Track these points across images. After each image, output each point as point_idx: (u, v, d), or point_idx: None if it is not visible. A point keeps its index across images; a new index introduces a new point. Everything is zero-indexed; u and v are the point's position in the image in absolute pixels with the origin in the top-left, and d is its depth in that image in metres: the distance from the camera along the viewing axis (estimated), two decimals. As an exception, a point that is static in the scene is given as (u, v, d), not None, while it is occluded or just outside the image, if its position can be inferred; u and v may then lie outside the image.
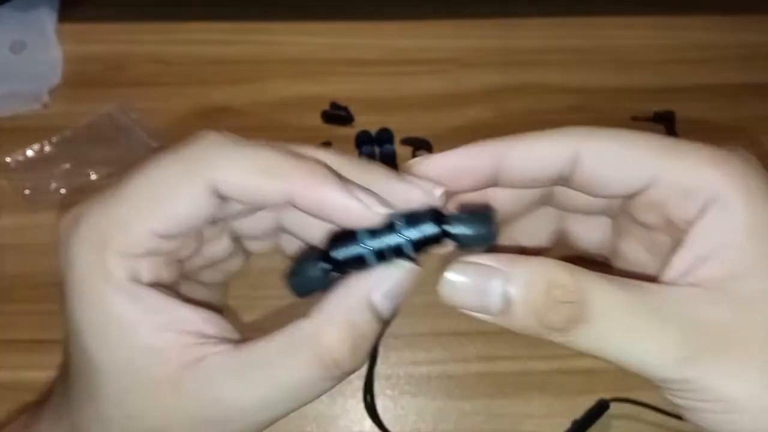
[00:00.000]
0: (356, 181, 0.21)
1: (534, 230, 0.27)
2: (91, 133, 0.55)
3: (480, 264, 0.20)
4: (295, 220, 0.24)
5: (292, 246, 0.26)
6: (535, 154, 0.22)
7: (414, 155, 0.55)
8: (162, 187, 0.21)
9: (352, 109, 0.57)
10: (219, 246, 0.25)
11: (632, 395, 0.43)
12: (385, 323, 0.23)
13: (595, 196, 0.23)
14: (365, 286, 0.21)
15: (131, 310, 0.20)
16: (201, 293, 0.26)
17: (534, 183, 0.23)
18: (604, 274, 0.20)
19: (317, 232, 0.23)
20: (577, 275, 0.19)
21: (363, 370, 0.44)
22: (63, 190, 0.52)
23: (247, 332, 0.22)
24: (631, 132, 0.21)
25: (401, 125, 0.56)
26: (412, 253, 0.22)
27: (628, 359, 0.20)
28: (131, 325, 0.20)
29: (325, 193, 0.21)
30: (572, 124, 0.24)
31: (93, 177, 0.53)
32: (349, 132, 0.56)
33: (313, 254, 0.22)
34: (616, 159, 0.21)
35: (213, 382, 0.20)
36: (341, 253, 0.21)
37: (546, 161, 0.22)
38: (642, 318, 0.19)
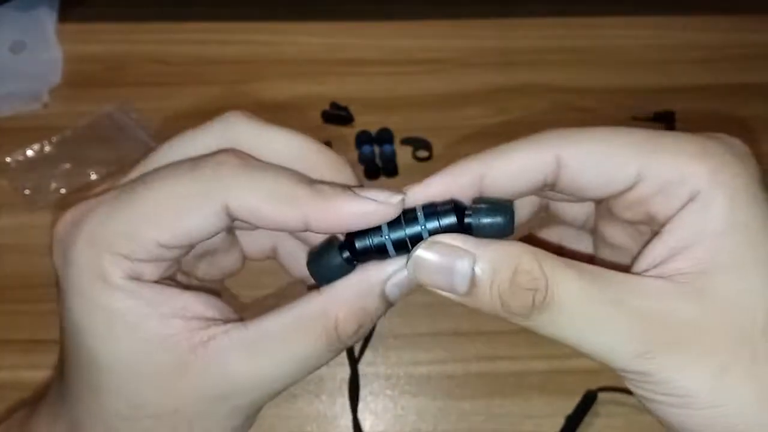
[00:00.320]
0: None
1: (518, 207, 0.26)
2: (91, 133, 0.55)
3: (449, 244, 0.20)
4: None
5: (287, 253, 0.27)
6: (515, 166, 0.22)
7: (414, 155, 0.55)
8: (176, 203, 0.21)
9: (352, 109, 0.57)
10: (220, 248, 0.26)
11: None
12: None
13: (581, 199, 0.23)
14: (382, 275, 0.22)
15: (134, 305, 0.21)
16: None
17: (518, 194, 0.22)
18: (572, 262, 0.20)
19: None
20: (543, 262, 0.19)
21: (365, 370, 0.44)
22: (63, 190, 0.52)
23: (247, 314, 0.23)
24: (612, 130, 0.21)
25: (401, 125, 0.56)
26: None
27: (588, 348, 0.20)
28: (135, 319, 0.21)
29: (340, 211, 0.21)
30: (572, 125, 0.24)
31: (93, 177, 0.53)
32: (349, 132, 0.56)
33: (335, 243, 0.23)
34: (597, 161, 0.21)
35: (223, 359, 0.21)
36: (363, 243, 0.22)
37: (526, 173, 0.22)
38: (603, 309, 0.19)
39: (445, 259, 0.20)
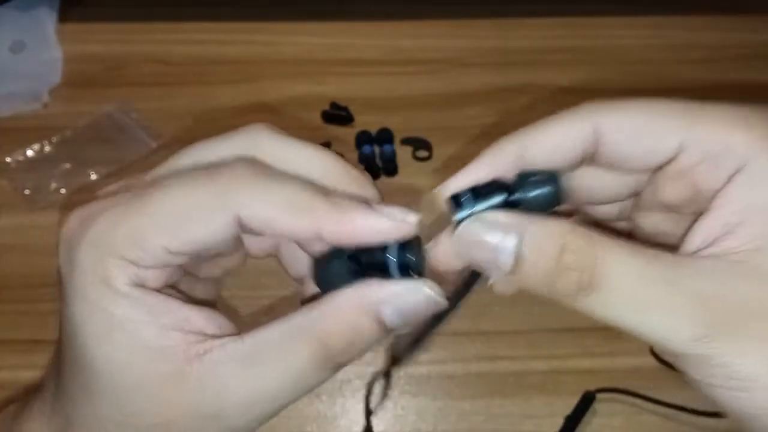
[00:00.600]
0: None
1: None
2: (91, 133, 0.55)
3: (495, 221, 0.20)
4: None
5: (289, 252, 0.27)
6: (553, 141, 0.21)
7: (414, 155, 0.55)
8: (187, 212, 0.21)
9: (352, 109, 0.57)
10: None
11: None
12: (436, 319, 0.23)
13: (621, 172, 0.22)
14: (376, 296, 0.20)
15: (135, 313, 0.21)
16: (197, 286, 0.26)
17: (558, 170, 0.22)
18: (621, 241, 0.19)
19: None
20: (591, 241, 0.19)
21: (365, 370, 0.44)
22: (63, 190, 0.52)
23: (246, 328, 0.22)
24: (652, 101, 0.20)
25: (401, 125, 0.56)
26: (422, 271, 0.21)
27: (640, 330, 0.19)
28: (135, 327, 0.20)
29: (354, 224, 0.20)
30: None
31: (93, 177, 0.53)
32: (349, 132, 0.56)
33: (341, 252, 0.22)
34: (639, 131, 0.20)
35: (218, 372, 0.21)
36: (366, 257, 0.21)
37: (565, 147, 0.21)
38: (657, 290, 0.18)
39: (489, 236, 0.20)
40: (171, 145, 0.54)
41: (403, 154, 0.55)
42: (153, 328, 0.21)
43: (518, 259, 0.19)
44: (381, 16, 0.64)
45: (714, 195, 0.20)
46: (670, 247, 0.20)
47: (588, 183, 0.24)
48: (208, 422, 0.21)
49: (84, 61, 0.60)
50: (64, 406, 0.23)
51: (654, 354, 0.44)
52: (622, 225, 0.26)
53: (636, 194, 0.24)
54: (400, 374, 0.44)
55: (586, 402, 0.43)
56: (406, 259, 0.21)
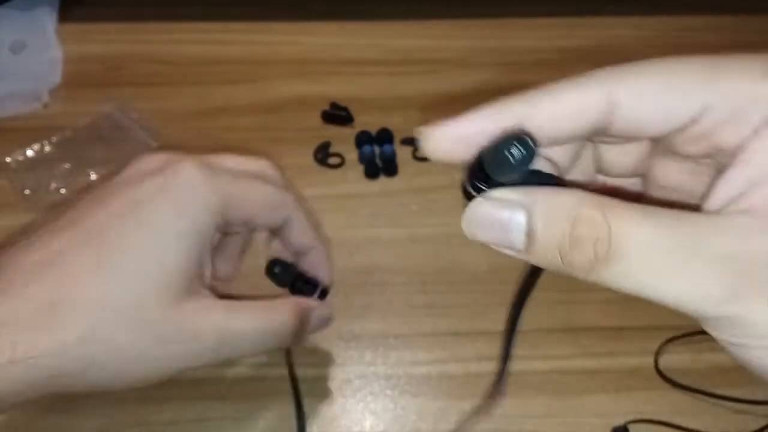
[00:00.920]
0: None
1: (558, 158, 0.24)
2: (91, 133, 0.55)
3: (501, 198, 0.19)
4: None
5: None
6: (563, 108, 0.19)
7: (414, 155, 0.55)
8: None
9: (352, 109, 0.57)
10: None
11: (633, 394, 0.43)
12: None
13: (639, 139, 0.21)
14: (308, 306, 0.36)
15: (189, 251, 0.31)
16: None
17: (566, 140, 0.20)
18: (638, 205, 0.18)
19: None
20: (606, 208, 0.17)
21: (365, 370, 0.44)
22: (63, 190, 0.52)
23: None
24: (668, 61, 0.19)
25: (401, 125, 0.56)
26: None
27: (666, 298, 0.18)
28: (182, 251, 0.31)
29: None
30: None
31: (93, 177, 0.53)
32: (349, 132, 0.56)
33: (290, 266, 0.39)
34: (657, 96, 0.19)
35: (207, 307, 0.31)
36: (301, 283, 0.39)
37: (576, 115, 0.19)
38: (681, 255, 0.17)
39: (499, 214, 0.19)
40: (171, 145, 0.54)
41: (403, 154, 0.55)
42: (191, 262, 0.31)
43: (530, 234, 0.18)
44: (381, 16, 0.64)
45: (737, 149, 0.18)
46: (690, 206, 0.19)
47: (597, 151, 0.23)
48: (189, 342, 0.30)
49: (84, 61, 0.60)
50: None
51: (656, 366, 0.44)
52: (633, 182, 0.25)
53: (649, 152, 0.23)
54: (400, 374, 0.44)
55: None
56: (325, 288, 0.39)
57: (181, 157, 0.32)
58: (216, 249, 0.36)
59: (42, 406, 0.41)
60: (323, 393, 0.43)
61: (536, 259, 0.19)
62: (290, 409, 0.42)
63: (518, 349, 0.46)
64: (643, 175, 0.24)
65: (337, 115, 0.57)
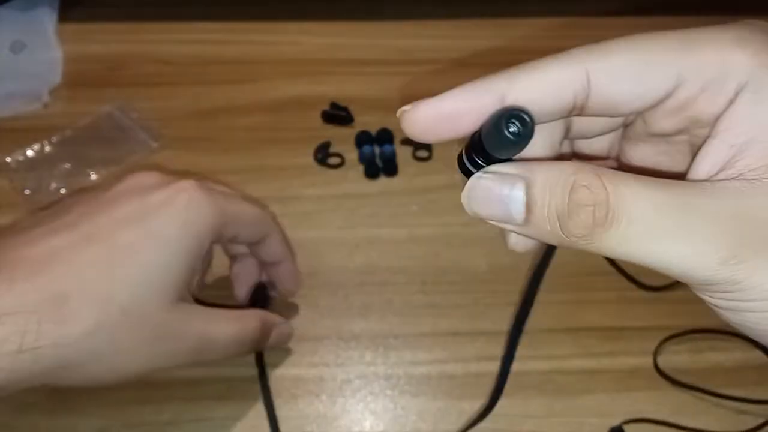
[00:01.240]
0: None
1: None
2: (91, 133, 0.55)
3: (499, 172, 0.19)
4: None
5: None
6: (543, 86, 0.20)
7: (414, 155, 0.55)
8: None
9: (352, 109, 0.57)
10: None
11: (633, 394, 0.43)
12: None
13: (615, 116, 0.21)
14: (273, 321, 0.41)
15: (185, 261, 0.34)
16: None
17: (547, 118, 0.20)
18: (633, 174, 0.18)
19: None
20: (603, 175, 0.18)
21: (365, 370, 0.44)
22: (63, 190, 0.52)
23: None
24: (644, 36, 0.19)
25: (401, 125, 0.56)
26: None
27: (663, 263, 0.18)
28: (176, 259, 0.33)
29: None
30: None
31: (93, 177, 0.53)
32: (349, 132, 0.56)
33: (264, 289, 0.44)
34: (632, 72, 0.19)
35: (190, 312, 0.35)
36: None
37: (554, 91, 0.20)
38: (678, 219, 0.17)
39: (498, 188, 0.19)
40: (171, 145, 0.54)
41: (403, 154, 0.55)
42: (183, 272, 0.34)
43: (529, 205, 0.19)
44: (381, 16, 0.64)
45: (715, 120, 0.19)
46: (676, 176, 0.19)
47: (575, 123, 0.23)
48: (176, 342, 0.34)
49: (84, 61, 0.60)
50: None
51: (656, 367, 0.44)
52: (610, 164, 0.25)
53: (624, 126, 0.23)
54: (400, 374, 0.44)
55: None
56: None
57: (177, 177, 0.36)
58: None
59: (42, 406, 0.41)
60: (323, 393, 0.43)
61: (535, 231, 0.19)
62: (290, 409, 0.42)
63: (518, 349, 0.46)
64: (616, 158, 0.24)
65: (337, 115, 0.57)
